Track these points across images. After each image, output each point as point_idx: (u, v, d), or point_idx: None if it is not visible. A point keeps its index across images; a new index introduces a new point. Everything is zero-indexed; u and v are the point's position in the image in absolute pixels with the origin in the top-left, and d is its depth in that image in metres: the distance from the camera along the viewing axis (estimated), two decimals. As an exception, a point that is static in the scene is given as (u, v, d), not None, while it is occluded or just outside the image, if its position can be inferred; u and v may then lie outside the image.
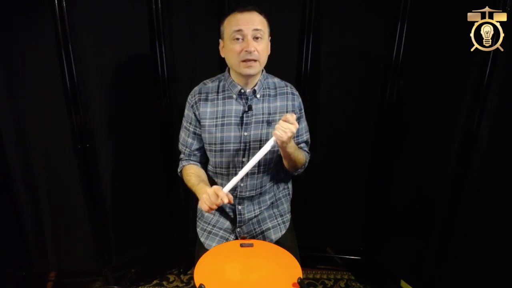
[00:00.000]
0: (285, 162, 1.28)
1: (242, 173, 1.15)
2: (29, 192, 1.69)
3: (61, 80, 1.52)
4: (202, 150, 1.33)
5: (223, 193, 1.10)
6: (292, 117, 1.10)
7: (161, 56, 1.68)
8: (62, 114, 1.57)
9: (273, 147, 1.15)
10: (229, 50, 1.18)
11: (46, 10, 1.42)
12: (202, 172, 1.32)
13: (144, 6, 1.61)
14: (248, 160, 1.25)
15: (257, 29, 1.15)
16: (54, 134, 1.63)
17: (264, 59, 1.20)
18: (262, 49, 1.17)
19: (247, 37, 1.14)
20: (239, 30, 1.14)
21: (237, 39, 1.15)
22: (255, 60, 1.16)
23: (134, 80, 1.71)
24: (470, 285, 1.46)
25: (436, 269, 1.58)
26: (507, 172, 1.30)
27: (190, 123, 1.29)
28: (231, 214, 1.35)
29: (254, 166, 1.25)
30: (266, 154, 1.24)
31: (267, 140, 1.24)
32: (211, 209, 1.12)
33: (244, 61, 1.15)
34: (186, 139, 1.32)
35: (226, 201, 1.09)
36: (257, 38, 1.15)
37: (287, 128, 1.09)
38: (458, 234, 1.48)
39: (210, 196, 1.10)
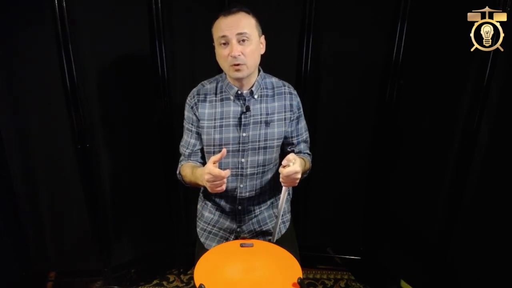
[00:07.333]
0: None
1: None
2: (29, 192, 1.69)
3: (61, 80, 1.52)
4: (203, 150, 1.33)
5: (216, 170, 1.05)
6: (288, 163, 1.07)
7: (161, 56, 1.68)
8: (62, 114, 1.57)
9: (288, 193, 1.17)
10: (218, 55, 1.19)
11: (46, 10, 1.42)
12: (195, 165, 1.30)
13: (144, 6, 1.61)
14: (247, 161, 1.25)
15: (241, 33, 1.13)
16: (54, 134, 1.63)
17: (253, 61, 1.18)
18: (249, 51, 1.15)
19: (232, 42, 1.13)
20: (223, 36, 1.14)
21: (224, 44, 1.15)
22: (242, 64, 1.15)
23: (134, 80, 1.71)
24: (470, 285, 1.46)
25: (435, 270, 1.58)
26: (507, 172, 1.30)
27: (192, 124, 1.29)
28: (231, 214, 1.35)
29: (254, 167, 1.26)
30: (265, 154, 1.25)
31: (265, 140, 1.25)
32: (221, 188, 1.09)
33: (232, 65, 1.16)
34: (188, 141, 1.31)
35: (223, 174, 1.04)
36: (243, 41, 1.14)
37: (293, 175, 1.08)
38: (457, 234, 1.48)
39: (214, 177, 1.05)
